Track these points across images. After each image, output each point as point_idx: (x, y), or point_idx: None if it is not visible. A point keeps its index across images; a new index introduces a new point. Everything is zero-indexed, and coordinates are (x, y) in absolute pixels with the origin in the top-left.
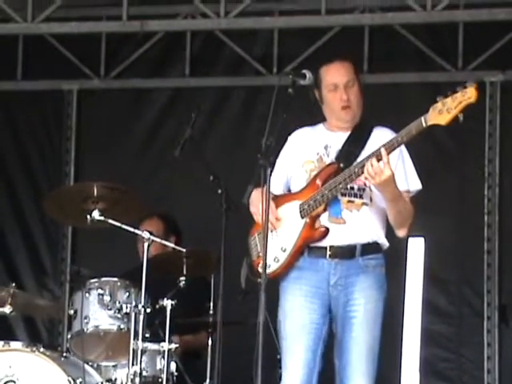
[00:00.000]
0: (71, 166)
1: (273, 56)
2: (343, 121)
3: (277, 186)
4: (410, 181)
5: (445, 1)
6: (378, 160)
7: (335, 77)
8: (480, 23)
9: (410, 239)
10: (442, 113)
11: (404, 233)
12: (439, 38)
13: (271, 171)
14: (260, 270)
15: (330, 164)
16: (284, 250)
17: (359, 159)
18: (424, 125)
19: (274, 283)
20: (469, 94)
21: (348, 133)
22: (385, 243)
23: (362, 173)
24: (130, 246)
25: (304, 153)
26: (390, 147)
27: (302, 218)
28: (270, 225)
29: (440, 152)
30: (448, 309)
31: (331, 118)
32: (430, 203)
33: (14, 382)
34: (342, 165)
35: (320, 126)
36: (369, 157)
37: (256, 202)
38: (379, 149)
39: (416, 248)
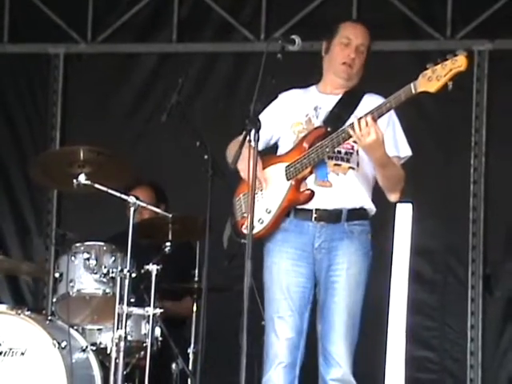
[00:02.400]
0: (57, 131)
1: (260, 22)
2: (338, 76)
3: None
4: (400, 147)
5: None
6: (366, 123)
7: (354, 34)
8: None
9: (399, 204)
10: (432, 80)
11: (395, 197)
12: (428, 6)
13: (258, 137)
14: (244, 230)
15: (317, 127)
16: (269, 212)
17: (347, 124)
18: (413, 91)
19: (258, 245)
20: (459, 63)
21: (339, 96)
22: (372, 209)
23: (350, 137)
24: (117, 211)
25: (293, 114)
26: (379, 112)
27: (288, 180)
28: (255, 186)
29: (426, 121)
30: (432, 277)
31: (328, 71)
32: (415, 172)
33: (0, 344)
34: (329, 128)
35: (312, 88)
36: (357, 119)
37: (245, 158)
38: (367, 112)
39: (404, 213)
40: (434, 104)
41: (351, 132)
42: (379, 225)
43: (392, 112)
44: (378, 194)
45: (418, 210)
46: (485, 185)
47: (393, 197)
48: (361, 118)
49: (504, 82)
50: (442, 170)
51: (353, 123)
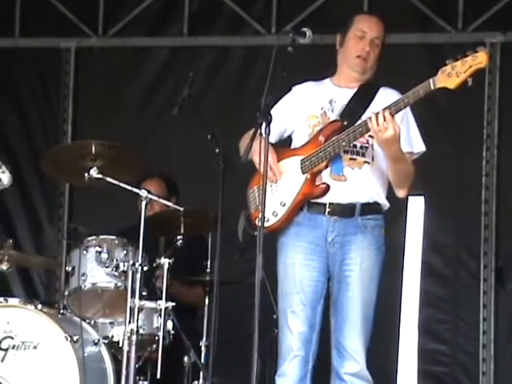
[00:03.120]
0: (69, 125)
1: (271, 16)
2: (353, 69)
3: (272, 133)
4: (414, 143)
5: None
6: (384, 118)
7: (368, 26)
8: None
9: (410, 198)
10: (451, 76)
11: (404, 193)
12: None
13: (269, 129)
14: (258, 223)
15: (333, 121)
16: (283, 205)
17: (363, 118)
18: (432, 87)
19: (271, 238)
20: (480, 59)
21: (354, 90)
22: (385, 204)
23: (367, 131)
24: (128, 204)
25: (308, 107)
26: (397, 107)
27: (303, 173)
28: (271, 178)
29: (438, 114)
30: (444, 271)
31: (343, 65)
32: (428, 166)
33: (12, 338)
34: (345, 122)
35: (327, 81)
36: (375, 114)
37: (257, 153)
38: (385, 107)
39: (416, 206)
40: (446, 97)
41: (369, 126)
42: (391, 219)
43: (407, 107)
44: (390, 189)
45: (429, 204)
46: (497, 177)
47: (401, 192)
48: (378, 112)
49: None
50: (454, 163)
51: (370, 117)
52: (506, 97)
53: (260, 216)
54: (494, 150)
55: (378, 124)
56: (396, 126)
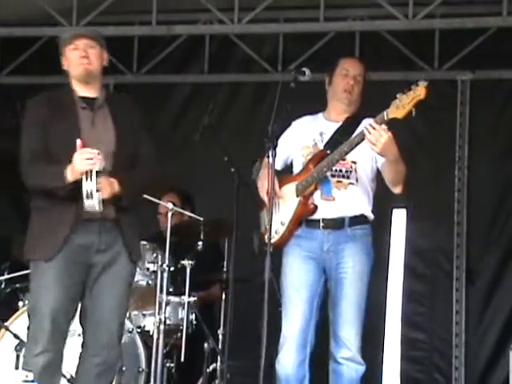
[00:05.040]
0: None
1: (278, 56)
2: (341, 102)
3: (278, 161)
4: None
5: (424, 11)
6: (373, 128)
7: (350, 66)
8: (453, 30)
9: (394, 210)
10: (399, 108)
11: (400, 189)
12: (419, 43)
13: (275, 152)
14: (266, 240)
15: (320, 151)
16: (283, 224)
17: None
18: (386, 118)
19: (278, 250)
20: (419, 92)
21: (340, 123)
22: (370, 216)
23: (344, 154)
24: (148, 215)
25: (303, 139)
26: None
27: (297, 196)
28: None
29: (418, 139)
30: (424, 271)
31: (332, 99)
32: (409, 183)
33: None
34: (328, 151)
35: (320, 115)
36: (351, 142)
37: (262, 180)
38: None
39: (399, 217)
40: (423, 124)
41: (367, 139)
42: (378, 228)
43: None
44: (375, 205)
45: (411, 215)
46: (467, 193)
47: (397, 189)
48: (369, 125)
49: (483, 107)
50: (431, 180)
51: (366, 131)
52: (474, 125)
53: (267, 235)
54: (464, 169)
55: (371, 134)
56: (386, 132)
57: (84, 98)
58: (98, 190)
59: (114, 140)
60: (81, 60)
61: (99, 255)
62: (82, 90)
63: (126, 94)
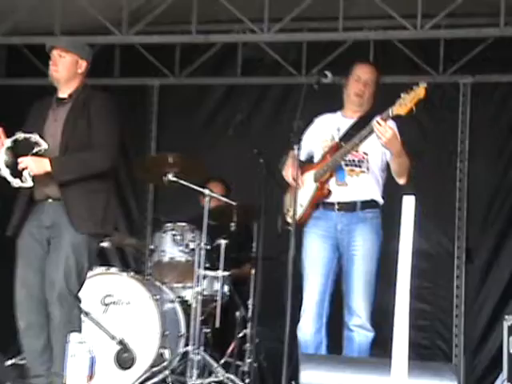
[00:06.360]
0: (153, 141)
1: (302, 61)
2: (353, 104)
3: (302, 153)
4: None
5: (430, 22)
6: (379, 124)
7: (362, 72)
8: (456, 39)
9: (404, 197)
10: (402, 105)
11: (404, 181)
12: (425, 50)
13: (300, 146)
14: (288, 220)
15: (335, 143)
16: (302, 206)
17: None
18: (390, 114)
19: (299, 231)
20: (419, 92)
21: (354, 119)
22: (380, 201)
23: (352, 149)
24: (193, 200)
25: (323, 134)
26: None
27: (315, 182)
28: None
29: (424, 134)
30: (428, 250)
31: (347, 101)
32: (416, 173)
33: (112, 295)
34: (342, 143)
35: (338, 113)
36: (360, 135)
37: (287, 168)
38: (371, 124)
39: (409, 204)
40: (430, 121)
41: (375, 132)
42: (389, 215)
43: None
44: (386, 192)
45: (418, 201)
46: (467, 183)
47: (402, 180)
48: (376, 120)
49: (482, 107)
50: (436, 171)
51: (372, 127)
52: (474, 123)
53: (289, 215)
54: (465, 161)
55: (378, 129)
56: (390, 128)
57: (59, 99)
58: (7, 166)
59: (61, 133)
60: (52, 67)
61: (47, 231)
62: (59, 92)
63: (101, 92)
